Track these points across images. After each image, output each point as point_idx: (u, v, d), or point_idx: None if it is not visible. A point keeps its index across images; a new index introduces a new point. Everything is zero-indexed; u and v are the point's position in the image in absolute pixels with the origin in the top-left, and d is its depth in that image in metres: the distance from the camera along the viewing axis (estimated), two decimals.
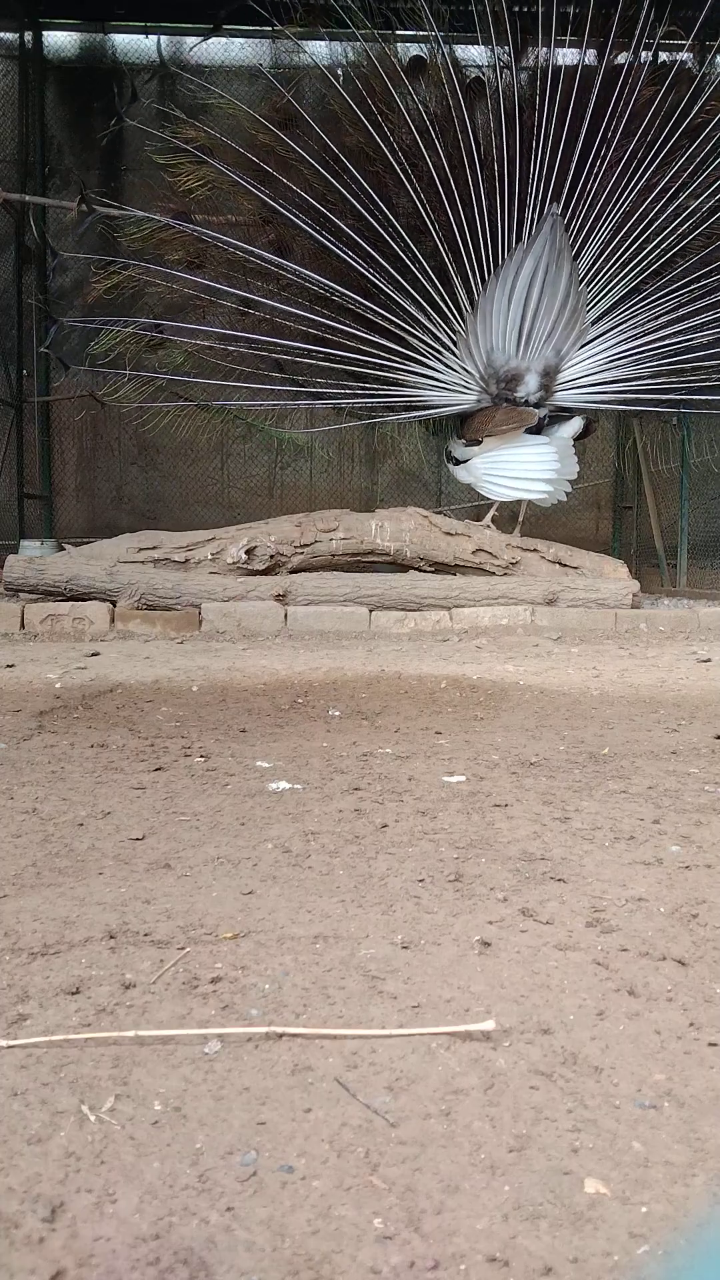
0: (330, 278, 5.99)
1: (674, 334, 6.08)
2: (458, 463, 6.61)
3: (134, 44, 8.20)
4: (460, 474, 6.64)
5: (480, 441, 6.29)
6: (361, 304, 6.00)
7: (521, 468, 6.28)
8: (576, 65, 6.01)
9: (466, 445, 6.41)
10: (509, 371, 6.15)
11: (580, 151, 5.95)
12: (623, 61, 6.03)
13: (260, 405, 6.52)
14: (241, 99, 6.22)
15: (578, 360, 6.21)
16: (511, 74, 6.00)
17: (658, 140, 5.98)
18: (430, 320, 6.09)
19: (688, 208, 6.03)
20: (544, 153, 5.95)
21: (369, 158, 5.92)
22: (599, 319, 6.19)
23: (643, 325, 6.12)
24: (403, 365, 6.15)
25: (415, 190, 5.88)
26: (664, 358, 6.14)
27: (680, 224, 6.05)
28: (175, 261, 6.17)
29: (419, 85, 6.05)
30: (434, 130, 5.90)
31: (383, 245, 5.96)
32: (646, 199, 6.00)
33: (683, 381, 6.26)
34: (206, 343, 6.21)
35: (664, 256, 6.10)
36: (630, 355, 6.16)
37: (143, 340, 6.29)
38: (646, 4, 5.85)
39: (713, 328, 6.04)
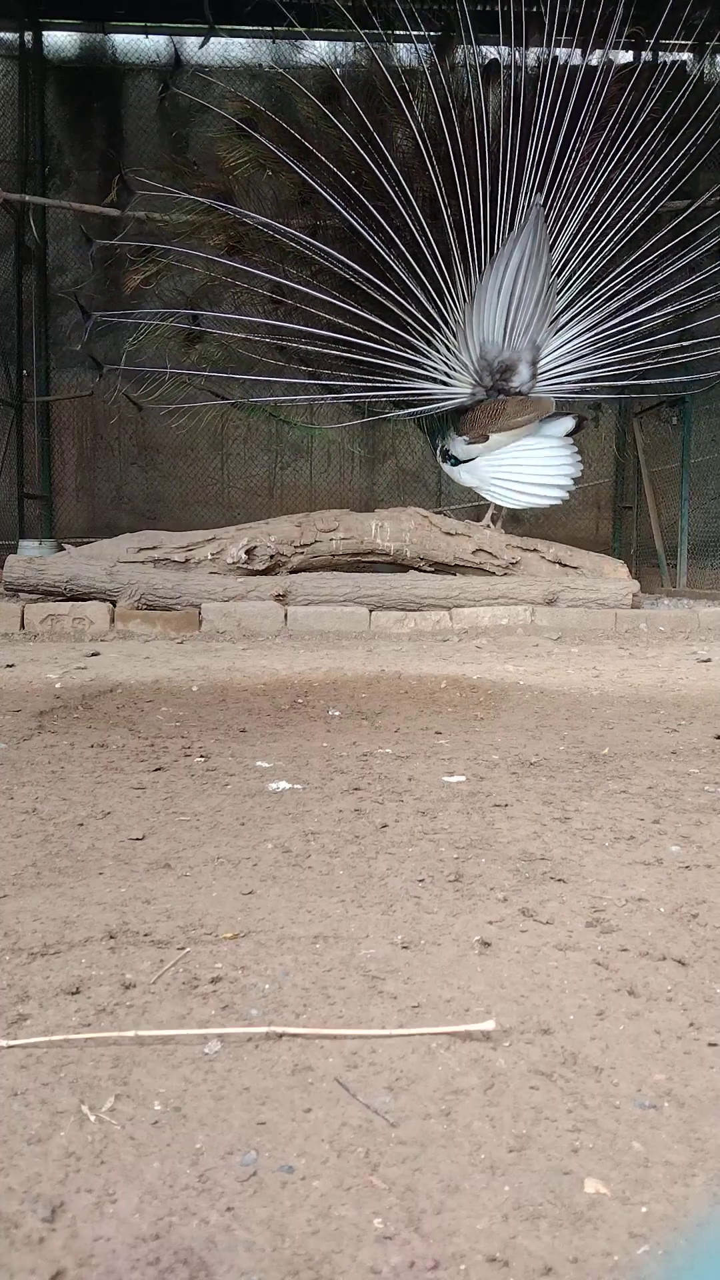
0: (355, 261, 6.08)
1: (623, 322, 6.29)
2: (457, 463, 6.55)
3: (134, 44, 8.21)
4: (461, 476, 6.56)
5: (487, 438, 6.27)
6: (381, 288, 6.07)
7: (535, 472, 6.28)
8: (565, 61, 6.16)
9: (470, 443, 6.38)
10: (502, 362, 6.21)
11: (561, 143, 6.10)
12: (598, 60, 6.19)
13: (294, 400, 6.56)
14: (255, 95, 6.26)
15: (551, 350, 6.33)
16: (522, 62, 6.12)
17: (616, 137, 6.15)
18: (437, 309, 6.14)
19: (634, 204, 6.24)
20: (538, 141, 6.08)
21: (400, 136, 6.03)
22: (565, 309, 6.33)
23: (600, 315, 6.30)
24: (414, 356, 6.20)
25: (434, 170, 5.97)
26: (616, 347, 6.33)
27: (629, 220, 6.24)
28: (215, 246, 6.21)
29: (444, 64, 6.16)
30: (454, 108, 6.00)
31: (403, 230, 6.04)
32: (604, 195, 6.18)
33: (638, 367, 6.45)
34: (242, 334, 6.23)
35: (615, 250, 6.28)
36: (591, 345, 6.33)
37: (180, 335, 6.31)
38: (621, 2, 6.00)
39: (656, 313, 6.29)
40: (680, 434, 7.38)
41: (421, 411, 6.60)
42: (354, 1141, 0.81)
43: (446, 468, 6.75)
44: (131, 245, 6.31)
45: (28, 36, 8.02)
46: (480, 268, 6.14)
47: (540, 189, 6.08)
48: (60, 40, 8.22)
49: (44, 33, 8.10)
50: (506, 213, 6.10)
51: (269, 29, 7.29)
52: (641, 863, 1.49)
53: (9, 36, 8.02)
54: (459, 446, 6.47)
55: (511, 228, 6.10)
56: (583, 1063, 0.93)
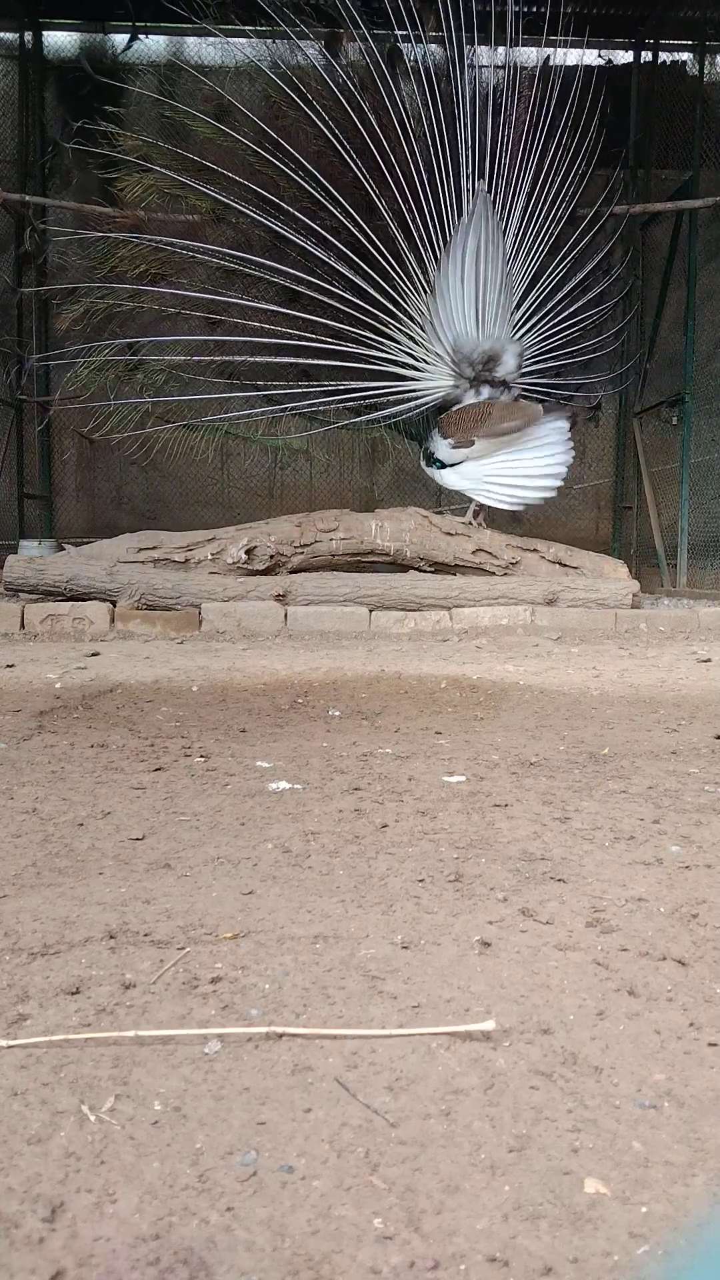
0: (290, 266, 6.03)
1: (555, 324, 6.40)
2: (443, 466, 6.40)
3: (134, 44, 8.19)
4: (448, 479, 6.41)
5: (473, 443, 6.19)
6: (323, 288, 6.01)
7: (531, 465, 6.21)
8: (473, 47, 6.16)
9: (455, 447, 6.26)
10: (484, 353, 6.14)
11: (490, 130, 6.06)
12: (503, 56, 6.20)
13: (250, 415, 6.49)
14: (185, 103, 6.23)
15: (521, 341, 6.35)
16: (425, 49, 6.07)
17: (536, 126, 6.16)
18: (391, 299, 6.08)
19: (556, 207, 6.30)
20: (466, 127, 6.04)
21: (307, 136, 5.96)
22: (520, 302, 6.36)
23: (540, 311, 6.38)
24: (369, 351, 6.14)
25: (355, 164, 5.90)
26: (557, 349, 6.42)
27: (554, 220, 6.31)
28: (139, 276, 6.14)
29: (338, 59, 6.06)
30: (361, 100, 5.92)
31: (337, 228, 5.99)
32: (536, 185, 6.22)
33: (574, 367, 6.53)
34: (183, 355, 6.20)
35: (543, 250, 6.34)
36: (541, 342, 6.40)
37: (120, 365, 6.29)
38: None
39: (577, 307, 6.43)
40: (680, 434, 7.38)
41: (400, 413, 6.46)
42: (354, 1141, 0.81)
43: (431, 471, 6.58)
44: (58, 288, 6.36)
45: (28, 36, 8.02)
46: (436, 256, 6.08)
47: (481, 175, 6.06)
48: (60, 40, 8.21)
49: (44, 33, 8.10)
50: (451, 199, 6.05)
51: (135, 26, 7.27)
52: (641, 863, 1.49)
53: (9, 36, 8.02)
54: (443, 450, 6.34)
55: (459, 214, 6.06)
56: (583, 1063, 0.93)
